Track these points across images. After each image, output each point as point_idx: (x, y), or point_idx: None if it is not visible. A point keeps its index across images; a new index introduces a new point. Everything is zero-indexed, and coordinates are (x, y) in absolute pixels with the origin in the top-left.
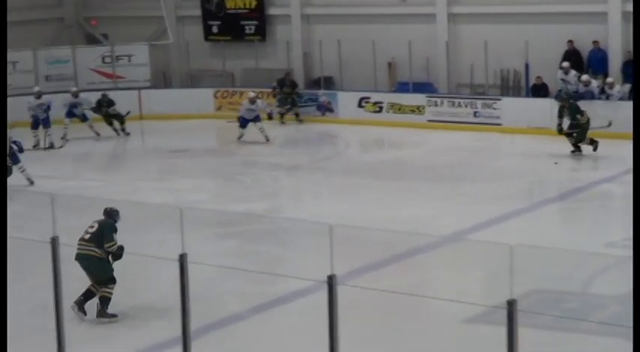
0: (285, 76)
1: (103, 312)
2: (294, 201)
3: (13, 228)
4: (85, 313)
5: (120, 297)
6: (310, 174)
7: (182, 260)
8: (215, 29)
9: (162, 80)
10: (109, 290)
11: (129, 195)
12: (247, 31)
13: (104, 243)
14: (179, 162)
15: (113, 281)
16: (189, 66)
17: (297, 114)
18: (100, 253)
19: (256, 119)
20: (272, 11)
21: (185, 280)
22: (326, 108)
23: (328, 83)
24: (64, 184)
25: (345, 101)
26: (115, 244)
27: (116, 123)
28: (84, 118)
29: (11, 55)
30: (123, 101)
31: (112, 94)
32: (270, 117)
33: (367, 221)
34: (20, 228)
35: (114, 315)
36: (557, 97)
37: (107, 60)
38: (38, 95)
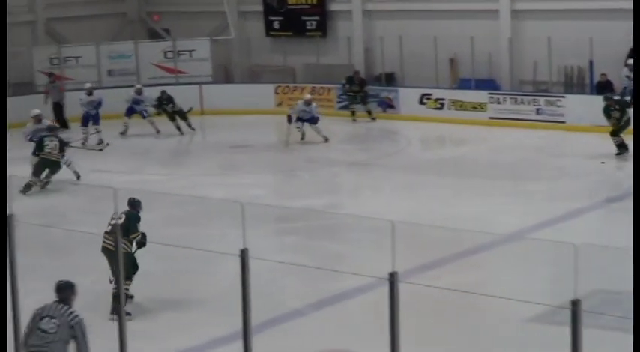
0: (354, 74)
1: (116, 308)
2: (354, 197)
3: (76, 222)
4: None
5: (180, 292)
6: (370, 170)
7: (243, 255)
8: (276, 25)
9: (223, 75)
10: (126, 287)
11: (190, 189)
12: (308, 27)
13: (129, 234)
14: (239, 157)
15: (129, 277)
16: (250, 61)
17: (369, 112)
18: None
19: (311, 120)
20: (333, 7)
21: (246, 275)
22: (387, 105)
23: (389, 79)
24: (125, 178)
25: (407, 97)
26: (139, 234)
27: (179, 120)
28: (144, 115)
29: (74, 50)
30: (184, 96)
31: (173, 89)
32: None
33: (428, 218)
34: (82, 222)
35: (128, 313)
36: (605, 98)
37: (169, 55)
38: (89, 92)
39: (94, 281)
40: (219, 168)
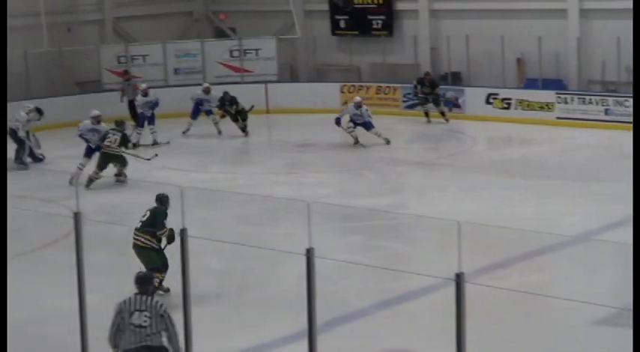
0: (425, 75)
1: None
2: (419, 197)
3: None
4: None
5: (245, 290)
6: (436, 170)
7: (309, 254)
8: (342, 24)
9: (289, 74)
10: (156, 279)
11: (255, 188)
12: (374, 26)
13: (156, 231)
14: (305, 156)
15: (159, 270)
16: (316, 60)
17: (442, 114)
18: (149, 242)
19: (365, 126)
20: (400, 6)
21: (312, 274)
22: (453, 104)
23: (455, 79)
24: (191, 177)
25: (473, 97)
26: (166, 230)
27: (242, 121)
28: (209, 113)
29: (141, 49)
30: (250, 95)
31: (239, 88)
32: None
33: (493, 219)
34: None
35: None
36: None
37: (235, 53)
38: (145, 93)
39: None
40: (285, 166)
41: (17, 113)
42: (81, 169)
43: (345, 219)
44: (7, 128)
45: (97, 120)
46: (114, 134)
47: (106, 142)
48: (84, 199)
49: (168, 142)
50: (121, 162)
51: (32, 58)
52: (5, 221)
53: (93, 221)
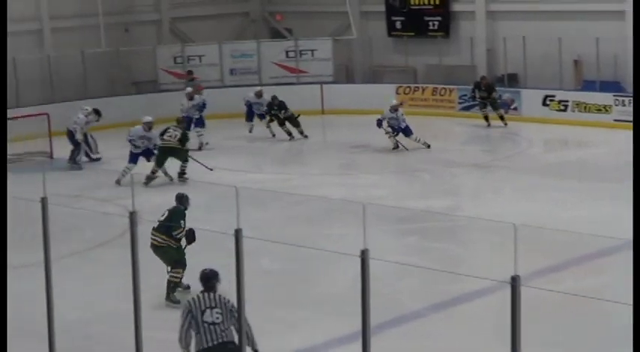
0: (481, 79)
1: (168, 296)
2: (474, 199)
3: (197, 220)
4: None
5: (299, 291)
6: (491, 172)
7: (364, 255)
8: (398, 25)
9: (344, 75)
10: (175, 275)
11: (310, 189)
12: (431, 27)
13: (172, 231)
14: (360, 157)
15: (178, 266)
16: (371, 61)
17: (501, 117)
18: (165, 241)
19: (405, 132)
20: (456, 7)
21: (366, 276)
22: (509, 106)
23: (512, 80)
24: (245, 177)
25: (529, 99)
26: (183, 230)
27: (289, 126)
28: (262, 117)
29: (197, 49)
30: (305, 95)
31: (294, 89)
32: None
33: (549, 221)
34: (203, 220)
35: (177, 301)
36: None
37: (291, 54)
38: (190, 97)
39: None
40: (340, 167)
41: (75, 115)
42: (126, 173)
43: (400, 220)
44: (66, 130)
45: (148, 126)
46: (175, 130)
47: (165, 137)
48: (138, 199)
49: (207, 143)
50: (180, 156)
51: (90, 58)
52: (5, 221)
53: (148, 220)
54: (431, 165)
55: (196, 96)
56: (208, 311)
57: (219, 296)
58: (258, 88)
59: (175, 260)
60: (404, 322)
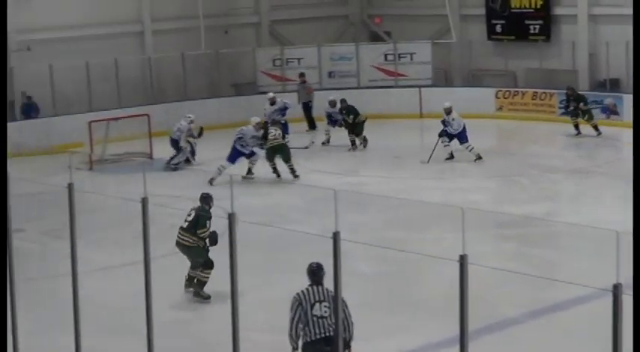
0: (567, 90)
1: (197, 293)
2: (573, 205)
3: (294, 222)
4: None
5: (395, 294)
6: (591, 178)
7: (462, 260)
8: (499, 28)
9: (443, 78)
10: (205, 275)
11: (407, 193)
12: (532, 31)
13: (197, 230)
14: (457, 161)
15: (208, 266)
16: (470, 65)
17: (595, 127)
18: (194, 242)
19: (459, 138)
20: (558, 11)
21: (465, 281)
22: (611, 111)
23: (614, 85)
24: (342, 180)
25: (632, 104)
26: (207, 230)
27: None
28: (340, 124)
29: (296, 52)
30: (403, 99)
31: (392, 92)
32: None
33: None
34: (301, 222)
35: (208, 296)
36: None
37: (389, 57)
38: (272, 102)
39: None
40: (436, 172)
41: (178, 122)
42: (221, 172)
43: (498, 225)
44: (169, 138)
45: (259, 126)
46: (275, 129)
47: (270, 136)
48: (237, 200)
49: (306, 147)
50: (285, 152)
51: (189, 59)
52: (5, 220)
53: (246, 222)
54: (530, 170)
55: (278, 100)
56: (317, 304)
57: (327, 289)
58: (332, 97)
59: (206, 261)
60: (501, 328)
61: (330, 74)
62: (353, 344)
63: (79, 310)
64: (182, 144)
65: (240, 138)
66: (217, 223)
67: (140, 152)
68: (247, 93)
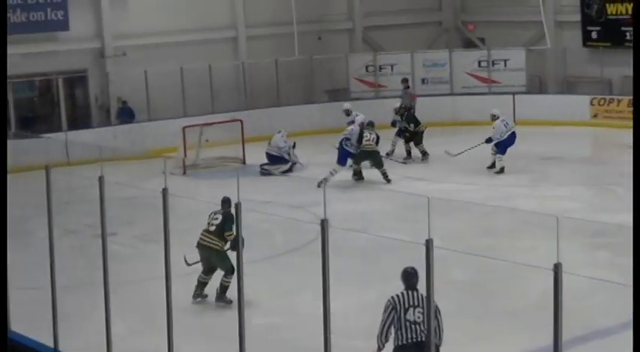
0: None
1: (220, 297)
2: None
3: (386, 228)
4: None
5: (486, 302)
6: None
7: (556, 269)
8: (594, 35)
9: (537, 85)
10: (228, 280)
11: (499, 200)
12: (628, 38)
13: (224, 232)
14: (551, 169)
15: (232, 271)
16: (565, 72)
17: None
18: (219, 245)
19: (497, 145)
20: None
21: (559, 290)
22: None
23: None
24: (433, 187)
25: None
26: (233, 233)
27: (411, 144)
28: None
29: (389, 58)
30: (496, 106)
31: (486, 99)
32: None
33: None
34: (393, 229)
35: (230, 301)
36: None
37: (483, 64)
38: (348, 112)
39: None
40: (530, 179)
41: (274, 141)
42: (333, 174)
43: (593, 234)
44: (267, 154)
45: (365, 125)
46: (370, 133)
47: (364, 141)
48: (330, 206)
49: (404, 162)
50: (377, 159)
51: (283, 65)
52: (5, 221)
53: (338, 228)
54: (625, 179)
55: (354, 113)
56: (412, 309)
57: (422, 295)
58: (397, 104)
59: (231, 266)
60: (594, 338)
61: (423, 81)
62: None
63: (172, 313)
64: (292, 158)
65: (347, 139)
66: (310, 229)
67: (233, 157)
68: (340, 99)
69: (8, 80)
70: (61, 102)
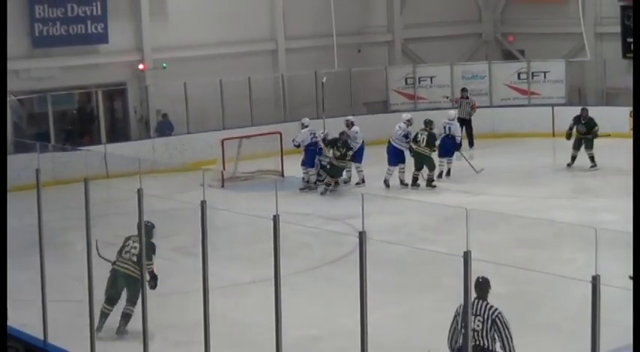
0: (582, 111)
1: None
2: None
3: (423, 240)
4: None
5: (524, 314)
6: None
7: (595, 281)
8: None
9: (577, 97)
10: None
11: (538, 212)
12: None
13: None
14: (591, 180)
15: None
16: (605, 83)
17: (591, 158)
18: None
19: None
20: None
21: (597, 302)
22: None
23: None
24: (471, 199)
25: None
26: (152, 264)
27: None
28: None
29: (429, 70)
30: (536, 118)
31: (525, 110)
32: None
33: None
34: (431, 241)
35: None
36: None
37: (522, 76)
38: (409, 122)
39: (441, 299)
40: (569, 191)
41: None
42: (390, 174)
43: (631, 246)
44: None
45: (410, 123)
46: (422, 134)
47: (414, 146)
48: (367, 219)
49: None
50: (429, 163)
51: (322, 77)
52: (5, 221)
53: (376, 240)
54: None
55: (354, 128)
56: (472, 317)
57: (486, 304)
58: (451, 112)
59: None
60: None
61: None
62: None
63: (210, 326)
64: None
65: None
66: (348, 241)
67: (272, 170)
68: (379, 111)
69: (48, 93)
70: (101, 115)
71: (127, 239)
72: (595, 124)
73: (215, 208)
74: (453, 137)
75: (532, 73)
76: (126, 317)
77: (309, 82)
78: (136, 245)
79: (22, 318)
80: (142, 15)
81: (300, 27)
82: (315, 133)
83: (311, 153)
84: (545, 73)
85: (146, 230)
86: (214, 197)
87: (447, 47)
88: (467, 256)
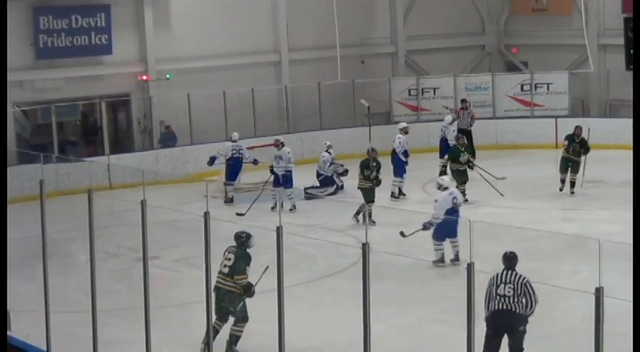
0: (575, 130)
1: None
2: None
3: (426, 252)
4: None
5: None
6: None
7: (598, 293)
8: None
9: (580, 109)
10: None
11: (541, 224)
12: None
13: (234, 276)
14: (593, 192)
15: (245, 319)
16: (608, 95)
17: (572, 184)
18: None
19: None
20: None
21: (600, 314)
22: None
23: None
24: (476, 210)
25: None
26: (245, 277)
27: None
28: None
29: (433, 81)
30: (539, 129)
31: (528, 122)
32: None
33: None
34: (433, 252)
35: None
36: None
37: (526, 88)
38: (405, 131)
39: (445, 310)
40: (573, 203)
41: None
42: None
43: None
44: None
45: (405, 131)
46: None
47: (461, 160)
48: (371, 230)
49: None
50: (462, 177)
51: (325, 89)
52: (5, 221)
53: (380, 252)
54: None
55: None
56: (502, 285)
57: (515, 273)
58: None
59: (244, 313)
60: None
61: None
62: None
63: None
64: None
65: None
66: (351, 252)
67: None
68: (382, 122)
69: (52, 104)
70: (104, 126)
71: (225, 251)
72: (586, 142)
73: (218, 219)
74: (446, 140)
75: (535, 85)
76: (232, 337)
77: (312, 94)
78: (231, 256)
79: (25, 329)
80: (146, 26)
81: (304, 38)
82: (239, 149)
83: (232, 167)
84: (548, 84)
85: (242, 241)
86: (217, 208)
87: (451, 59)
88: (470, 268)
